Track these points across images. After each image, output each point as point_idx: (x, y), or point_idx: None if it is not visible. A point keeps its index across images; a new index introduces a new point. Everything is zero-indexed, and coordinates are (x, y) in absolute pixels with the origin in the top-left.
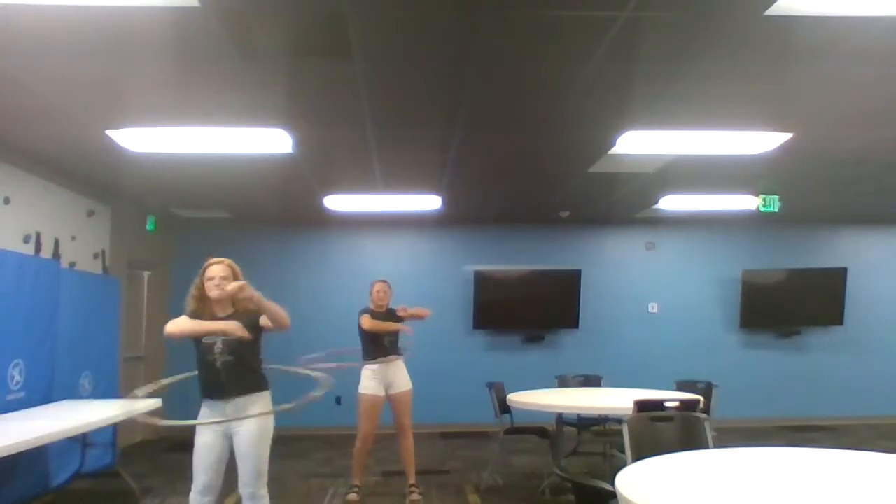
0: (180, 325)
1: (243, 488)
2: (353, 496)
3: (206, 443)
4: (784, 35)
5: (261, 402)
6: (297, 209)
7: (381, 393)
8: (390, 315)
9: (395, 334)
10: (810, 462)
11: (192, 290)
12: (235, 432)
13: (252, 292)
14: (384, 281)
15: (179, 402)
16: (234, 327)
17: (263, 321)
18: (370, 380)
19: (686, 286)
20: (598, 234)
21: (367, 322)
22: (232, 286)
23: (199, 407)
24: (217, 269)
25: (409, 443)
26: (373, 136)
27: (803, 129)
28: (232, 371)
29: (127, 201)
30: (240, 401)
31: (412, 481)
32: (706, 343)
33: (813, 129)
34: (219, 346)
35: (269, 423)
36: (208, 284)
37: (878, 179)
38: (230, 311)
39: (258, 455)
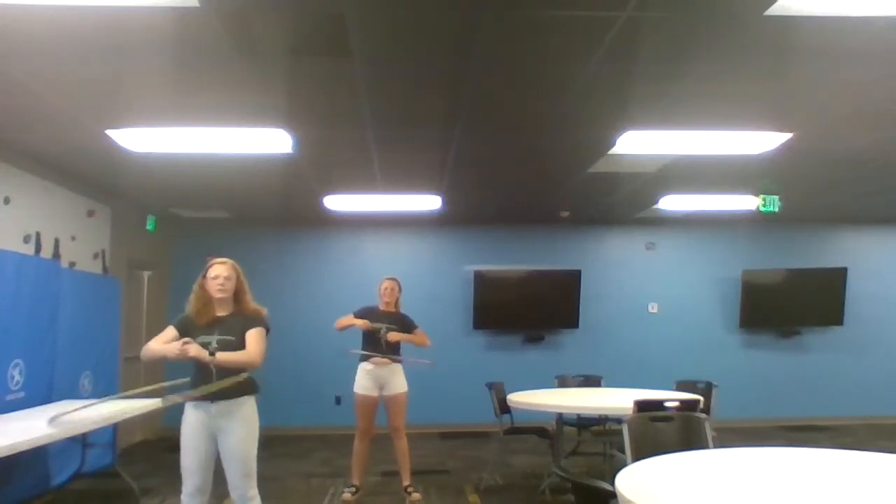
0: (155, 348)
1: (233, 490)
2: (347, 495)
3: (191, 445)
4: (784, 35)
5: (246, 406)
6: (297, 209)
7: (374, 393)
8: (398, 319)
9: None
10: (810, 462)
11: (195, 288)
12: (220, 433)
13: (200, 355)
14: (392, 278)
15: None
16: (204, 356)
17: (248, 338)
18: (363, 379)
19: (686, 286)
20: (598, 234)
21: (340, 320)
22: (187, 349)
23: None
24: (221, 269)
25: (402, 444)
26: (373, 136)
27: (803, 129)
28: (223, 374)
29: (127, 201)
30: (224, 404)
31: (407, 482)
32: (706, 343)
33: (813, 129)
34: (213, 346)
35: (255, 424)
36: (211, 283)
37: (878, 179)
38: (230, 310)
39: (244, 456)
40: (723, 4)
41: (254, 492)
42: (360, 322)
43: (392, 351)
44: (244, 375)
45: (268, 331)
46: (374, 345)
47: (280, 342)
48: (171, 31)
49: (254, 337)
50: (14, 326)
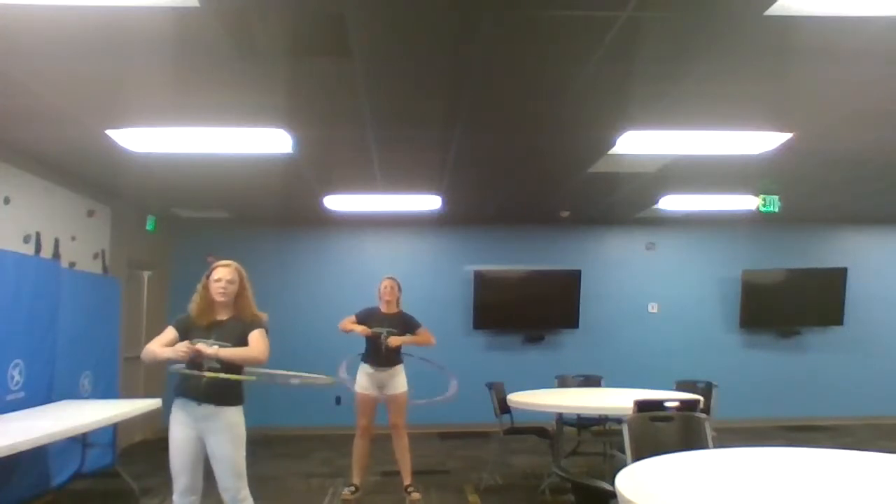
0: (156, 350)
1: (223, 492)
2: (346, 494)
3: (179, 446)
4: (784, 35)
5: (230, 413)
6: (297, 209)
7: (374, 392)
8: (399, 320)
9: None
10: (810, 462)
11: (199, 289)
12: (207, 436)
13: (208, 352)
14: (391, 278)
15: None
16: (211, 352)
17: (251, 338)
18: (363, 379)
19: (686, 286)
20: (598, 234)
21: (344, 323)
22: (194, 348)
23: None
24: (224, 272)
25: (402, 443)
26: (373, 136)
27: (803, 129)
28: (215, 378)
29: (127, 201)
30: (210, 408)
31: (408, 482)
32: (706, 343)
33: (813, 129)
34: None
35: (240, 429)
36: (213, 286)
37: (878, 179)
38: (230, 314)
39: (232, 458)
40: (723, 4)
41: (245, 493)
42: (359, 329)
43: (393, 355)
44: (244, 372)
45: (267, 333)
46: (376, 349)
47: (280, 342)
48: (171, 31)
49: (256, 336)
50: (14, 326)
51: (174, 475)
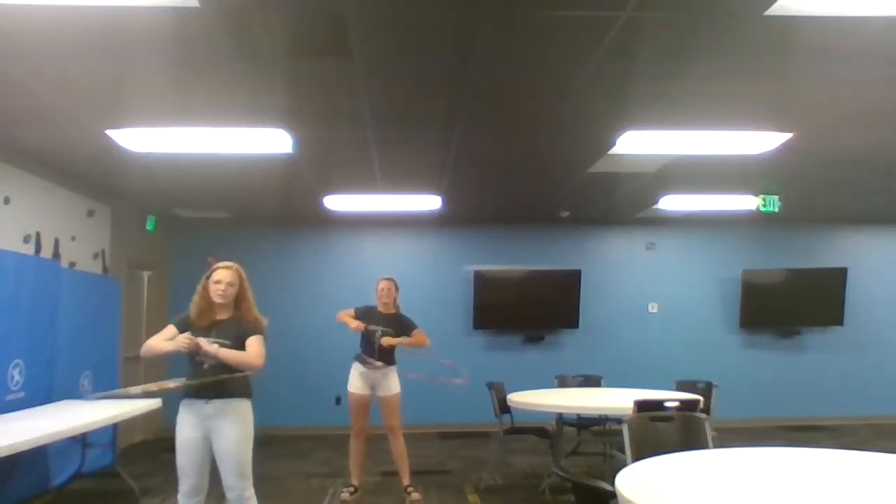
0: (155, 345)
1: (228, 491)
2: (345, 495)
3: (186, 445)
4: (784, 35)
5: (241, 407)
6: (296, 209)
7: (367, 392)
8: (396, 321)
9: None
10: (810, 462)
11: (199, 289)
12: (214, 434)
13: (208, 348)
14: (388, 278)
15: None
16: (211, 349)
17: (249, 343)
18: (356, 378)
19: (686, 286)
20: (598, 234)
21: (340, 315)
22: (195, 344)
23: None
24: (224, 274)
25: (399, 444)
26: (373, 136)
27: (803, 129)
28: (218, 374)
29: (127, 201)
30: (219, 403)
31: (407, 482)
32: (706, 343)
33: (813, 129)
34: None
35: (249, 426)
36: (213, 287)
37: (878, 179)
38: (230, 314)
39: (239, 456)
40: (723, 4)
41: (250, 492)
42: (353, 325)
43: (386, 354)
44: (239, 375)
45: (265, 339)
46: (369, 347)
47: (280, 342)
48: (171, 31)
49: (254, 342)
50: (14, 326)
51: (180, 475)
